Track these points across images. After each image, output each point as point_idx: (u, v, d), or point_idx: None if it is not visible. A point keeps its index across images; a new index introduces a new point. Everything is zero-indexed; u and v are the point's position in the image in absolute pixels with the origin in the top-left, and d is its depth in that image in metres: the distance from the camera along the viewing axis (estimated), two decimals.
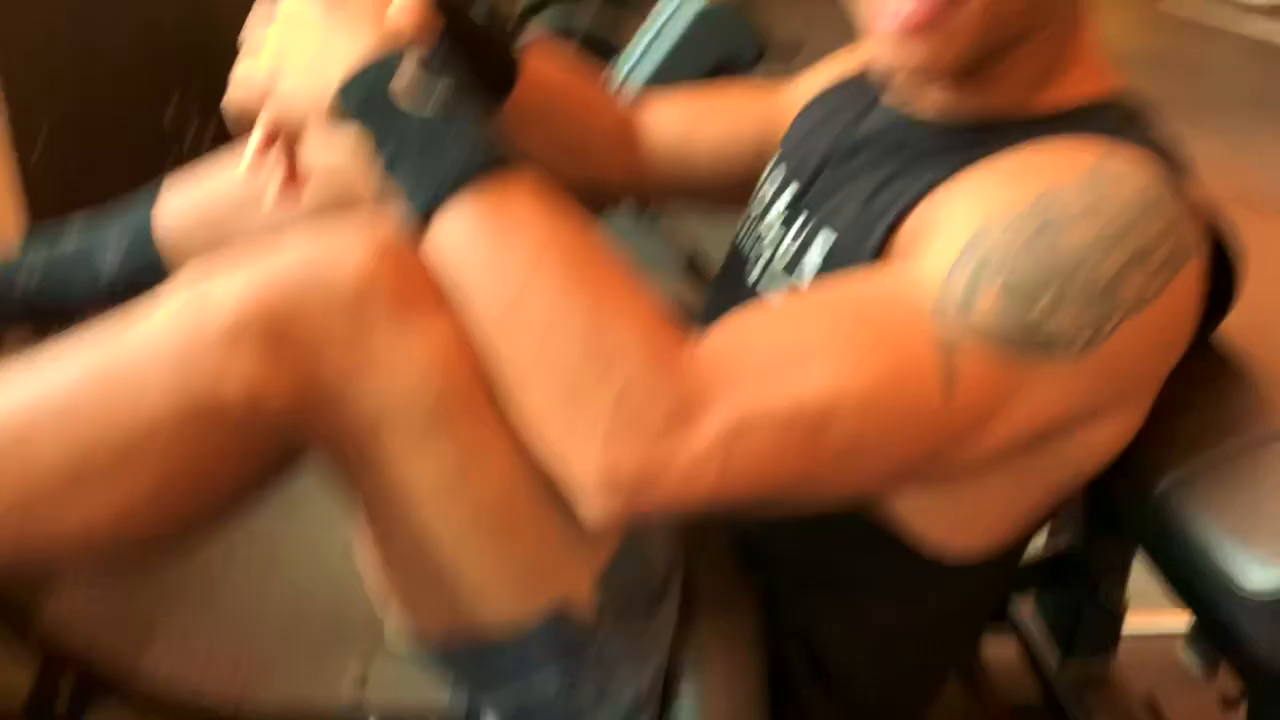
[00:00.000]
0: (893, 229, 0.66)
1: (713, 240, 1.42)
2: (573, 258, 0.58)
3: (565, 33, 2.08)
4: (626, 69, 1.99)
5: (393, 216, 0.61)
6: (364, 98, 0.60)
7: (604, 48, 2.18)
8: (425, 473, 0.62)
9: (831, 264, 0.71)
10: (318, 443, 0.63)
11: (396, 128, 0.59)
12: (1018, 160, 0.64)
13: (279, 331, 0.58)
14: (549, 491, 0.60)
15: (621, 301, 0.57)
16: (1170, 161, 0.65)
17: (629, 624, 0.70)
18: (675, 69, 1.98)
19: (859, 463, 0.58)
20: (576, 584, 0.67)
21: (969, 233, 0.59)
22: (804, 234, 0.75)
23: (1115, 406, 0.65)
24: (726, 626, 0.75)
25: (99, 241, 0.96)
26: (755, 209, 0.85)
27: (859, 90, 0.82)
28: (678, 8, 2.05)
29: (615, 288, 0.57)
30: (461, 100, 0.60)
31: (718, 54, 1.95)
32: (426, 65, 0.61)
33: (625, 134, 0.97)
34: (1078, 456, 0.67)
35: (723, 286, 0.86)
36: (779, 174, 0.84)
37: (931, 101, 0.73)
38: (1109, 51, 0.72)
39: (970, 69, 0.67)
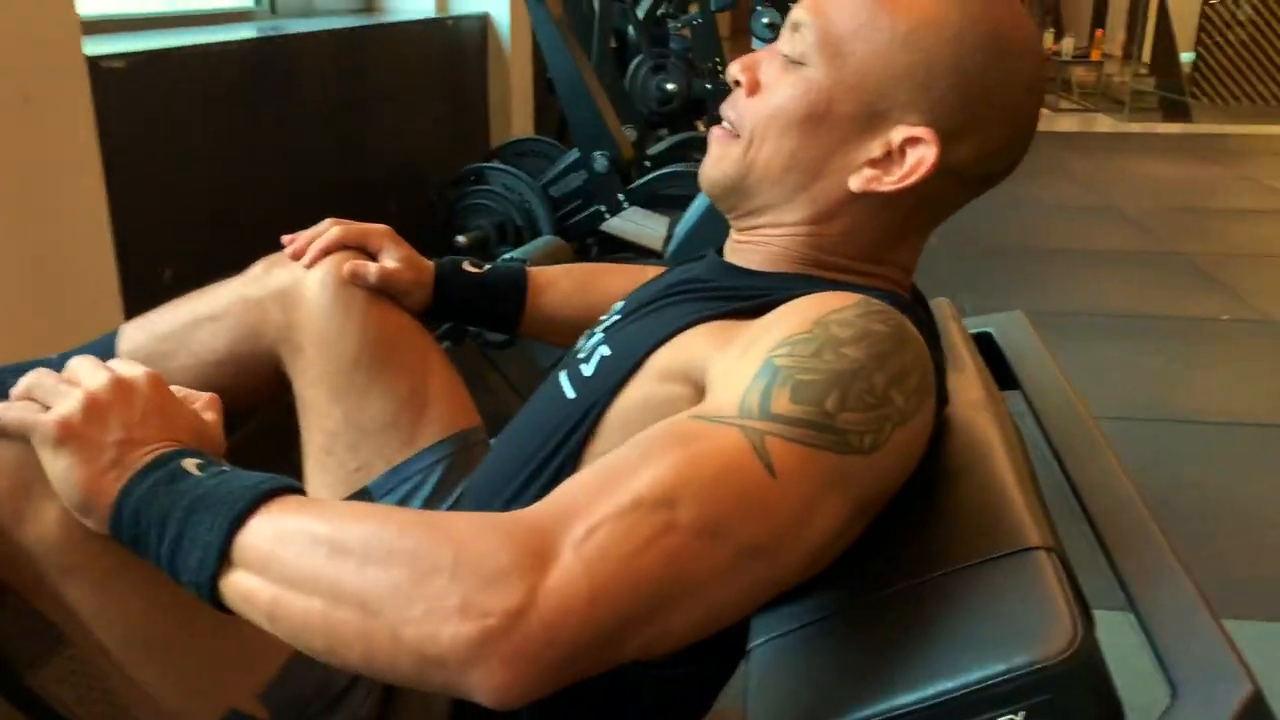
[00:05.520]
0: (651, 350, 0.76)
1: None
2: (372, 513, 0.61)
3: None
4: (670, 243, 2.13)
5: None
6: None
7: None
8: (77, 601, 0.74)
9: (599, 371, 0.81)
10: (4, 569, 0.74)
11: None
12: (792, 305, 0.71)
13: None
14: (193, 623, 0.72)
15: (436, 519, 0.60)
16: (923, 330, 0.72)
17: None
18: (697, 239, 2.10)
19: (722, 543, 0.58)
20: (240, 698, 0.76)
21: (758, 362, 0.65)
22: (591, 344, 0.87)
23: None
24: None
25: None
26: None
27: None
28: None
29: (434, 516, 0.60)
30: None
31: None
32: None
33: None
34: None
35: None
36: (615, 310, 0.93)
37: (738, 250, 0.85)
38: None
39: (732, 195, 0.82)
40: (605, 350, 0.83)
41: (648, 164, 3.35)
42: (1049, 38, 11.02)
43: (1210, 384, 3.02)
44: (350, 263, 1.04)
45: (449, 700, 0.85)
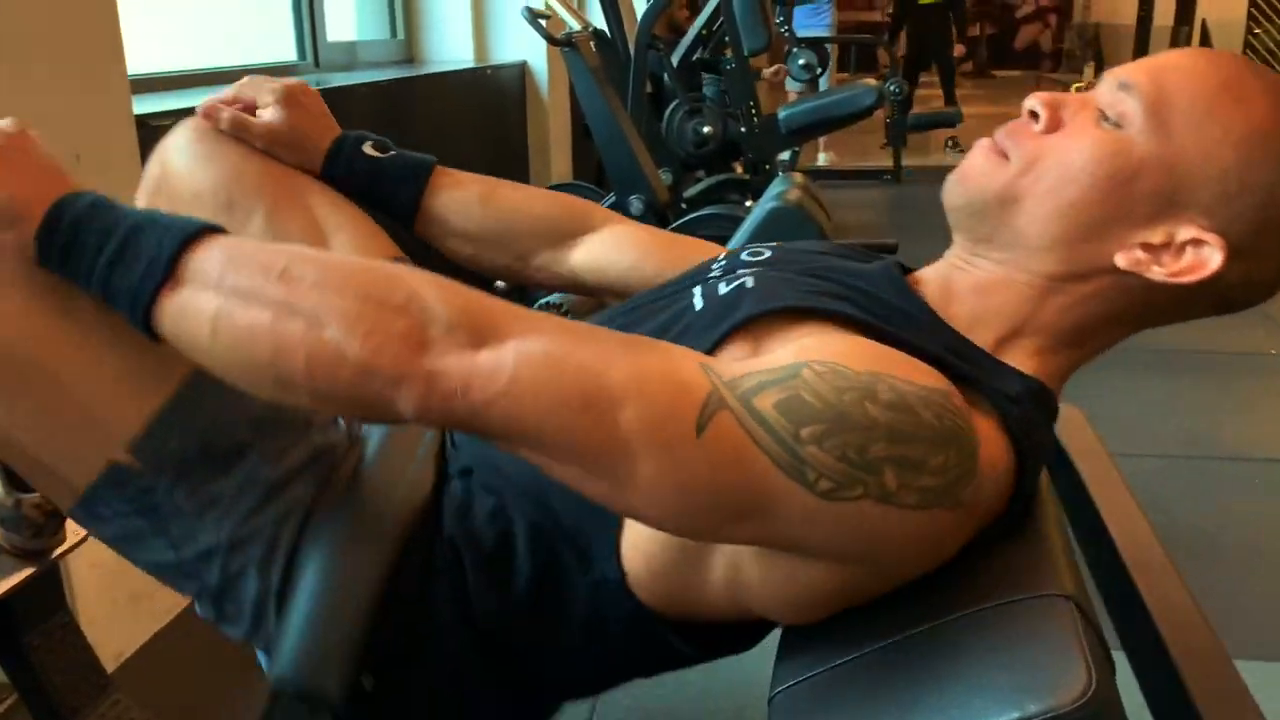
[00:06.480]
0: (786, 309, 0.73)
1: None
2: (326, 253, 0.65)
3: None
4: None
5: None
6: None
7: None
8: None
9: (736, 295, 0.77)
10: None
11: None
12: (894, 354, 0.67)
13: None
14: (66, 363, 0.70)
15: (397, 269, 0.64)
16: (1019, 445, 0.69)
17: (191, 483, 0.76)
18: None
19: (635, 429, 0.60)
20: (116, 445, 0.74)
21: (795, 359, 0.64)
22: (733, 268, 0.84)
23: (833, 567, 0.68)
24: (369, 517, 0.81)
25: None
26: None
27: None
28: (758, 206, 2.28)
29: (395, 267, 0.65)
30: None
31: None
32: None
33: (561, 229, 1.07)
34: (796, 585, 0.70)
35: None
36: (761, 250, 0.89)
37: (953, 273, 0.80)
38: None
39: (982, 215, 0.77)
40: (749, 282, 0.79)
41: (684, 206, 3.38)
42: (1089, 71, 10.92)
43: (1257, 420, 2.97)
44: (204, 102, 1.00)
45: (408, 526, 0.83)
